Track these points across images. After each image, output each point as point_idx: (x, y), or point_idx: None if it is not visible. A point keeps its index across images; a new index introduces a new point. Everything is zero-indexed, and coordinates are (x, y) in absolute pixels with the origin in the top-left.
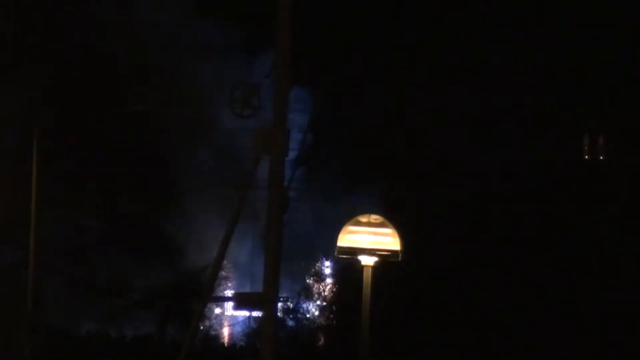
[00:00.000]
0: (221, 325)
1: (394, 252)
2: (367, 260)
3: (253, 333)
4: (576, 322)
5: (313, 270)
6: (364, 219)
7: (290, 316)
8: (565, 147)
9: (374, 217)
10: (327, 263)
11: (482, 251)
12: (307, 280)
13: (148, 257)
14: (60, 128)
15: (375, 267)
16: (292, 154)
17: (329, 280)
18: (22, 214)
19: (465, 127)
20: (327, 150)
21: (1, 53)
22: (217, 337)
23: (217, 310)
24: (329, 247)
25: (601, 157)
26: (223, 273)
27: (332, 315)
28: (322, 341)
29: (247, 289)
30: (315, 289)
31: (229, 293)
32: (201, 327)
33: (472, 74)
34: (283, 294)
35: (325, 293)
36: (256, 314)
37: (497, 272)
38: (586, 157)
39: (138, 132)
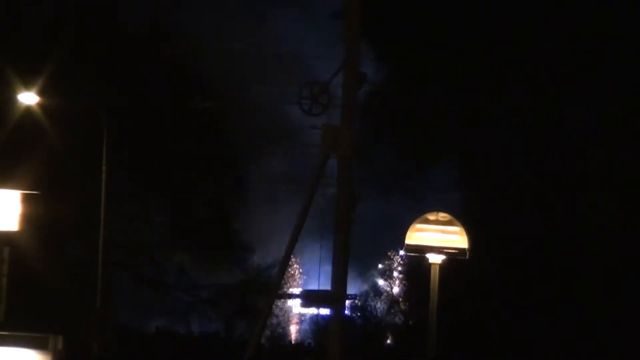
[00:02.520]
0: (289, 323)
1: (461, 250)
2: (435, 258)
3: (321, 331)
4: None
5: (381, 268)
6: (432, 216)
7: (359, 314)
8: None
9: (442, 215)
10: (397, 260)
11: (553, 247)
12: (376, 279)
13: (216, 254)
14: (129, 125)
15: (443, 265)
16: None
17: (397, 278)
18: (91, 210)
19: (535, 124)
20: (390, 144)
21: (65, 48)
22: (285, 335)
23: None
24: (397, 244)
25: None
26: (291, 271)
27: (400, 314)
28: (390, 339)
29: (315, 287)
30: (383, 287)
31: (296, 291)
32: (268, 325)
33: (537, 71)
34: (351, 291)
35: (394, 291)
36: (324, 311)
37: (571, 269)
38: None
39: (206, 129)
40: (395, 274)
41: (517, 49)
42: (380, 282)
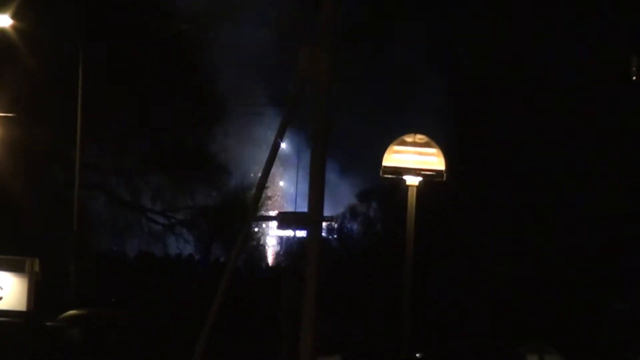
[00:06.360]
0: (265, 246)
1: (438, 172)
2: (412, 180)
3: (297, 254)
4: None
5: (359, 190)
6: (409, 138)
7: (335, 236)
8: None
9: (419, 137)
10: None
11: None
12: (353, 201)
13: (193, 177)
14: (105, 49)
15: (420, 187)
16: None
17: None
18: (68, 133)
19: (510, 46)
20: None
21: None
22: (262, 258)
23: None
24: (373, 166)
25: None
26: (268, 193)
27: (376, 236)
28: (366, 261)
29: (292, 209)
30: (360, 209)
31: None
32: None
33: None
34: (327, 213)
35: (371, 213)
36: (301, 234)
37: (545, 195)
38: (634, 78)
39: (183, 51)
40: (373, 196)
41: None
42: (358, 204)
